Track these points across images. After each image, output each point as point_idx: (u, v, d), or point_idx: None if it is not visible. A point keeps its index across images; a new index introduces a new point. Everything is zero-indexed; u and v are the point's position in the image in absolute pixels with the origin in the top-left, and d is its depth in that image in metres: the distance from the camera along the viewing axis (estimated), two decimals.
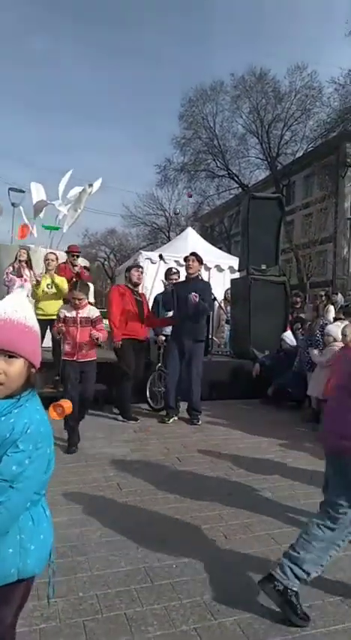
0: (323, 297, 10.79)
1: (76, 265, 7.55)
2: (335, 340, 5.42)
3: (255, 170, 32.60)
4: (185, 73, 57.71)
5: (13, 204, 12.15)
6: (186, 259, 5.94)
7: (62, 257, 7.93)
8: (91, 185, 10.82)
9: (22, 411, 1.29)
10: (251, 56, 58.31)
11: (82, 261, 10.65)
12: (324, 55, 46.11)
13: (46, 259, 6.93)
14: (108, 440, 4.95)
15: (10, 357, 1.29)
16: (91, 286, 6.77)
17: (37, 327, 1.38)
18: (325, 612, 2.23)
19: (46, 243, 10.97)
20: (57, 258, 7.08)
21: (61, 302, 6.22)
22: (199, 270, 5.99)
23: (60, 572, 2.45)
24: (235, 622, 2.14)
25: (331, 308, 10.17)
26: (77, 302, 4.58)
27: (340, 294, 12.28)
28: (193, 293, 5.48)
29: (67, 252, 7.84)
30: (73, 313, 4.59)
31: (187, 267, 5.89)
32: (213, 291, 7.76)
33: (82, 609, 2.19)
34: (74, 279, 5.84)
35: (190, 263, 5.83)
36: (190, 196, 27.49)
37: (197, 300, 5.47)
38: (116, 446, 4.75)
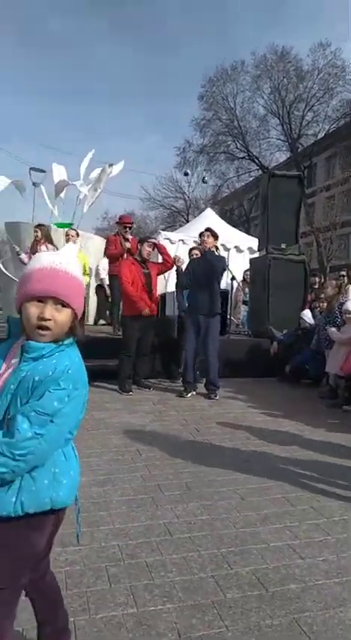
0: (345, 277, 10.67)
1: (127, 239, 7.19)
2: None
3: (275, 152, 32.09)
4: (206, 54, 56.49)
5: (34, 184, 12.23)
6: (201, 234, 5.96)
7: (82, 236, 7.97)
8: (111, 165, 10.85)
9: (64, 354, 1.38)
10: (273, 35, 56.67)
11: (94, 244, 10.77)
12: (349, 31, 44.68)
13: (66, 235, 6.99)
14: (128, 411, 5.07)
15: (63, 306, 1.38)
16: (84, 255, 6.65)
17: (82, 280, 1.48)
18: (339, 565, 2.30)
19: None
20: (77, 234, 7.14)
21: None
22: (215, 245, 5.98)
23: (83, 524, 2.55)
24: (251, 572, 2.23)
25: None
26: None
27: None
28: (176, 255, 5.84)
29: (118, 222, 7.59)
30: None
31: (202, 242, 5.93)
32: (233, 272, 7.83)
33: (105, 556, 2.31)
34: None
35: (205, 238, 5.86)
36: (205, 182, 27.29)
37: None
38: (136, 416, 4.86)
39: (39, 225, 7.53)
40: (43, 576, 1.53)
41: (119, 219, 7.84)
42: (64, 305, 1.39)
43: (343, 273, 11.19)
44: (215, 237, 5.92)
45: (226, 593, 2.06)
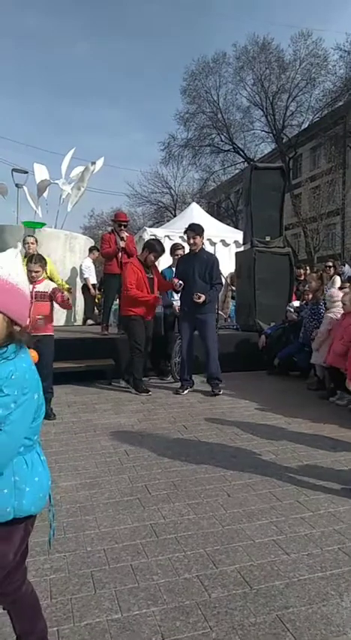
0: (330, 268, 10.71)
1: (123, 238, 7.15)
2: (335, 302, 5.56)
3: (260, 143, 32.13)
4: (187, 48, 56.24)
5: (17, 185, 12.08)
6: (187, 236, 5.94)
7: (61, 237, 7.79)
8: (93, 163, 10.78)
9: (8, 361, 1.35)
10: (254, 26, 56.54)
11: (80, 242, 10.68)
12: (330, 21, 44.67)
13: (24, 243, 6.90)
14: (116, 411, 5.06)
15: None
16: (49, 260, 6.63)
17: (22, 285, 1.42)
18: (324, 559, 2.32)
19: (51, 223, 11.01)
20: (36, 241, 7.11)
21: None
22: (202, 242, 5.97)
23: (69, 530, 2.59)
24: (236, 570, 2.24)
25: (338, 278, 10.12)
26: (33, 275, 4.46)
27: (347, 265, 12.16)
28: (196, 294, 5.63)
29: (113, 220, 7.51)
30: (29, 287, 4.60)
31: (189, 244, 5.92)
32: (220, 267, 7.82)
33: (90, 561, 2.31)
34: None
35: (191, 240, 5.85)
36: None
37: (201, 299, 5.63)
38: (124, 416, 4.86)
39: (31, 236, 7.47)
40: (19, 587, 1.52)
41: (114, 216, 7.77)
42: None
43: (330, 263, 11.25)
44: (199, 233, 5.89)
45: (211, 593, 2.06)
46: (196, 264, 5.77)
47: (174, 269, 6.46)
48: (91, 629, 1.85)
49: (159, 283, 6.09)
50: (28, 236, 7.17)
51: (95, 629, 1.85)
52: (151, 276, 5.96)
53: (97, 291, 10.42)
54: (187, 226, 6.05)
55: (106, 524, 2.66)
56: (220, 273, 7.42)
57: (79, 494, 3.03)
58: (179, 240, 8.45)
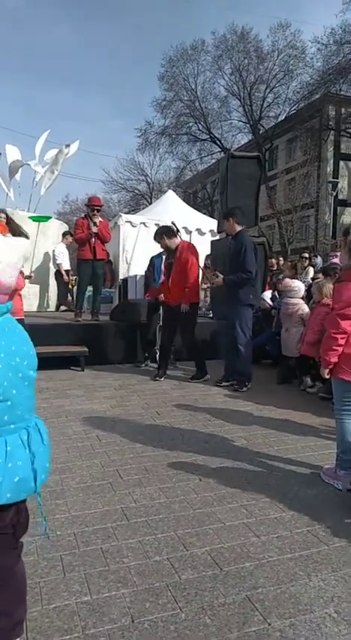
0: (305, 259, 10.86)
1: (96, 223, 7.02)
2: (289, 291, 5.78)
3: (237, 134, 32.13)
4: (165, 35, 55.53)
5: None
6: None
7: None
8: (68, 146, 10.58)
9: None
10: (233, 14, 56.24)
11: (53, 226, 10.48)
12: (308, 12, 44.79)
13: None
14: (88, 397, 5.01)
15: None
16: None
17: None
18: (293, 541, 2.35)
19: (24, 207, 10.77)
20: (7, 217, 6.92)
21: None
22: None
23: (39, 514, 2.53)
24: (206, 552, 2.25)
25: (311, 269, 10.29)
26: None
27: (319, 257, 12.37)
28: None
29: (87, 205, 7.35)
30: None
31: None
32: None
33: (60, 545, 2.28)
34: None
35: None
36: None
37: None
38: (97, 402, 4.81)
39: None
40: (10, 567, 1.51)
41: (88, 201, 7.60)
42: None
43: (306, 255, 11.40)
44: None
45: (181, 575, 2.07)
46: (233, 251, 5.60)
47: (164, 257, 6.34)
48: (60, 611, 1.83)
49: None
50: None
51: (64, 611, 1.83)
52: (172, 261, 5.86)
53: (70, 277, 10.27)
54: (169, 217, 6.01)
55: (77, 509, 2.63)
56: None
57: (49, 479, 2.96)
58: (155, 228, 8.38)
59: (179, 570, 2.10)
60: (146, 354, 6.81)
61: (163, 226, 6.17)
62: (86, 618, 1.79)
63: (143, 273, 8.27)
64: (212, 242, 9.14)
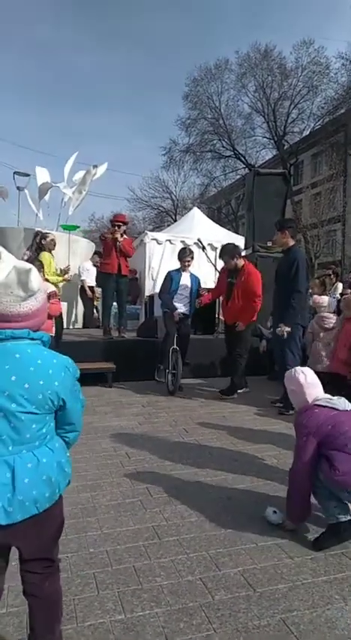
0: (331, 275, 10.73)
1: (116, 238, 7.03)
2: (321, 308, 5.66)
3: (261, 150, 32.20)
4: (188, 55, 56.55)
5: (18, 188, 12.15)
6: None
7: (63, 240, 7.81)
8: (95, 166, 10.84)
9: None
10: (256, 33, 56.77)
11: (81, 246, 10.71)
12: (332, 29, 44.93)
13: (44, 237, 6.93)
14: (116, 414, 5.05)
15: None
16: (46, 261, 6.57)
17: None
18: (327, 563, 2.31)
19: (52, 227, 11.04)
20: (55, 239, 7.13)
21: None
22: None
23: (71, 530, 2.57)
24: (239, 572, 2.23)
25: (340, 285, 10.16)
26: None
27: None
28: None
29: (111, 221, 7.48)
30: None
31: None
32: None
33: (93, 562, 2.30)
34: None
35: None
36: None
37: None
38: (125, 419, 4.85)
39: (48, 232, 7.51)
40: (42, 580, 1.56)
41: (113, 217, 7.68)
42: None
43: (329, 272, 11.28)
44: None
45: (215, 595, 2.06)
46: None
47: (182, 273, 6.34)
48: (95, 629, 1.84)
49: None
50: (48, 232, 7.21)
51: (99, 629, 1.84)
52: (233, 280, 5.90)
53: (94, 294, 10.25)
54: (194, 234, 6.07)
55: (109, 526, 2.65)
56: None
57: (80, 496, 3.01)
58: (180, 245, 8.44)
59: (212, 590, 2.09)
60: (160, 366, 6.62)
61: (231, 245, 6.22)
62: (121, 637, 1.80)
63: None
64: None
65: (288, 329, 5.20)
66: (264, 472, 3.46)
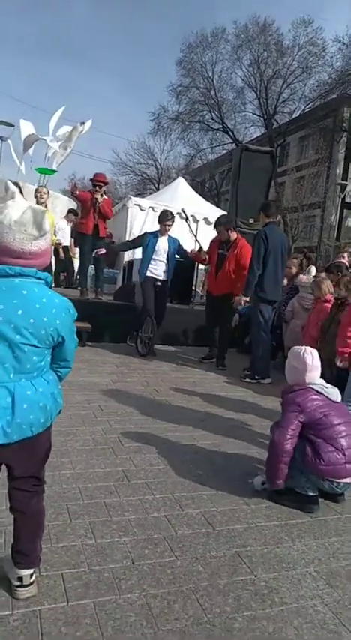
0: (303, 259, 10.97)
1: (98, 200, 6.81)
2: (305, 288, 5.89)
3: (250, 126, 31.98)
4: (185, 20, 54.76)
5: (0, 138, 11.83)
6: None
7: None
8: (82, 123, 10.62)
9: None
10: (256, 2, 55.33)
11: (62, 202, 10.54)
12: (332, 9, 44.19)
13: (37, 192, 6.85)
14: (90, 371, 5.18)
15: None
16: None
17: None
18: (280, 511, 2.55)
19: (34, 181, 10.84)
20: (48, 193, 7.01)
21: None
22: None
23: (46, 468, 2.71)
24: (201, 513, 2.44)
25: (313, 268, 10.43)
26: None
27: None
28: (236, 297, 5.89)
29: (91, 180, 7.19)
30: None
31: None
32: (201, 243, 7.84)
33: (66, 496, 2.47)
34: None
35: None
36: None
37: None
38: (98, 376, 4.99)
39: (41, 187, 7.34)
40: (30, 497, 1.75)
41: (93, 176, 7.34)
42: None
43: (300, 256, 11.50)
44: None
45: (177, 530, 2.26)
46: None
47: (160, 237, 6.30)
48: (67, 550, 2.02)
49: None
50: (41, 186, 7.05)
51: (71, 550, 2.02)
52: (225, 252, 6.08)
53: (72, 251, 10.03)
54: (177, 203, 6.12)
55: (81, 467, 2.82)
56: (201, 248, 7.40)
57: (54, 439, 3.10)
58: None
59: (175, 526, 2.29)
60: (134, 332, 6.74)
61: (225, 217, 6.35)
62: (91, 557, 1.98)
63: None
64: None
65: (244, 298, 5.69)
66: (229, 432, 3.68)
